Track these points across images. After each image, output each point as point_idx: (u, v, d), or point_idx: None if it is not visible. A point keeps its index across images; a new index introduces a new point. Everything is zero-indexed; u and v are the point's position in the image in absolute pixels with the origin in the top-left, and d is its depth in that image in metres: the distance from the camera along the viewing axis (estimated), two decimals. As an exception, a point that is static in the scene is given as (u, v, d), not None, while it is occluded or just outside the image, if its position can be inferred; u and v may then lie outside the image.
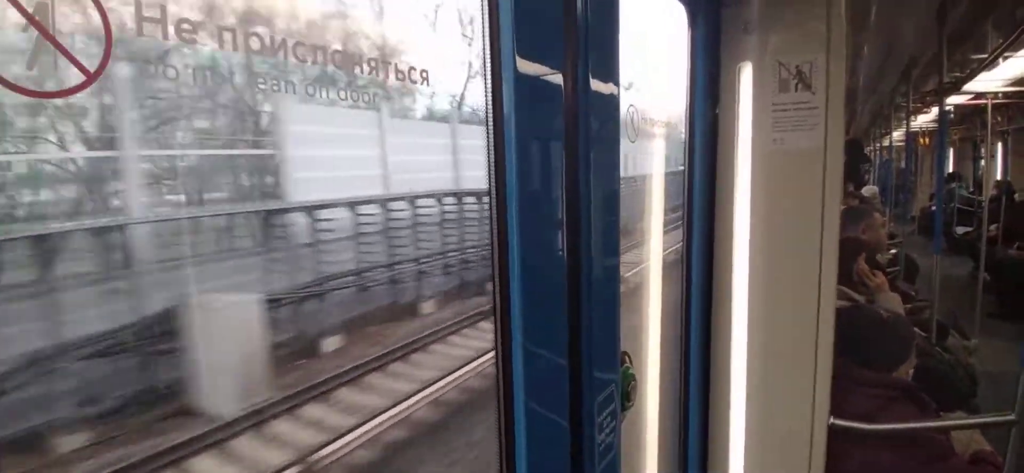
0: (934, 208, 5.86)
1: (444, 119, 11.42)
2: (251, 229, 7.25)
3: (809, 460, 1.56)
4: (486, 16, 0.83)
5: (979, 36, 3.95)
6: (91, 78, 0.51)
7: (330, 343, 6.32)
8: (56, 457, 4.12)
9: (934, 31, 3.43)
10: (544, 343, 0.94)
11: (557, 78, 0.92)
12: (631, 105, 1.27)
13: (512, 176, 0.85)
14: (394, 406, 5.01)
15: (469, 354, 6.30)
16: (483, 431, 4.73)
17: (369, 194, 8.74)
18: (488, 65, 0.84)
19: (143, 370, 4.84)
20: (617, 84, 1.05)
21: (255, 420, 4.62)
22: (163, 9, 0.60)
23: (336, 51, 0.84)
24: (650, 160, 1.56)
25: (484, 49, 0.83)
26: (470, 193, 10.46)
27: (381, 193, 9.04)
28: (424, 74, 1.02)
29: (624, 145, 1.16)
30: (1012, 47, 3.79)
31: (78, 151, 5.82)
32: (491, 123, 0.85)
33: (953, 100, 6.08)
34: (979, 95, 6.04)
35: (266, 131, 7.42)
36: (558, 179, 0.94)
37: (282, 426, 4.73)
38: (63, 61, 0.51)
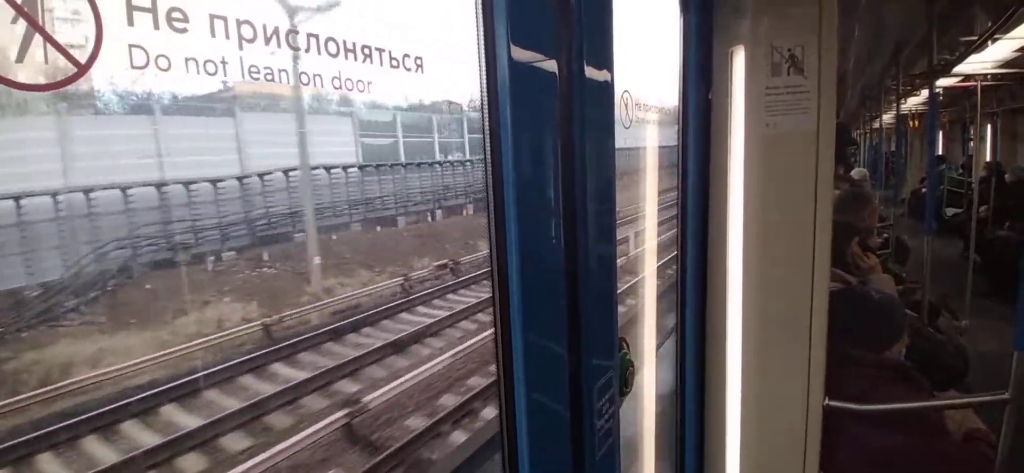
0: (925, 190, 5.90)
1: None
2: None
3: (805, 441, 1.58)
4: (480, 3, 0.82)
5: (968, 18, 3.96)
6: (83, 70, 0.50)
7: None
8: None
9: (923, 13, 3.44)
10: (543, 330, 0.95)
11: (551, 65, 0.91)
12: (625, 91, 1.27)
13: (508, 164, 0.85)
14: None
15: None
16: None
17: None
18: (482, 53, 0.84)
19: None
20: (611, 70, 1.04)
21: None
22: None
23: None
24: (644, 146, 1.56)
25: (478, 36, 0.83)
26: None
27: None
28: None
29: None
30: (1001, 29, 3.80)
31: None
32: (486, 111, 0.85)
33: (943, 82, 6.11)
34: (968, 77, 6.07)
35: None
36: (554, 166, 0.94)
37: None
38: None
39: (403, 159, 17.84)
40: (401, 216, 15.81)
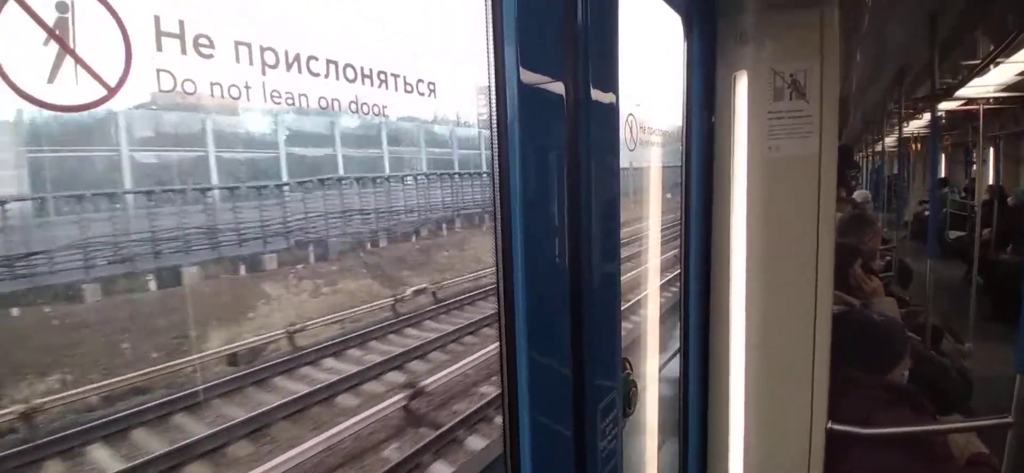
0: (927, 213, 5.91)
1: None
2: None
3: (808, 464, 1.57)
4: (490, 27, 0.84)
5: (970, 42, 3.98)
6: (112, 92, 0.52)
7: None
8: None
9: (926, 38, 3.47)
10: (547, 350, 0.95)
11: (558, 87, 0.93)
12: (630, 114, 1.28)
13: (516, 184, 0.87)
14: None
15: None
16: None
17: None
18: (492, 75, 0.85)
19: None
20: (617, 93, 1.06)
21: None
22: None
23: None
24: (648, 167, 1.58)
25: (488, 59, 0.85)
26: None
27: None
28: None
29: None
30: (1004, 53, 3.81)
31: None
32: (495, 132, 0.86)
33: (945, 106, 6.14)
34: (971, 101, 6.10)
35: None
36: (560, 187, 0.95)
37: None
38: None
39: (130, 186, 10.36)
40: (92, 283, 8.92)
